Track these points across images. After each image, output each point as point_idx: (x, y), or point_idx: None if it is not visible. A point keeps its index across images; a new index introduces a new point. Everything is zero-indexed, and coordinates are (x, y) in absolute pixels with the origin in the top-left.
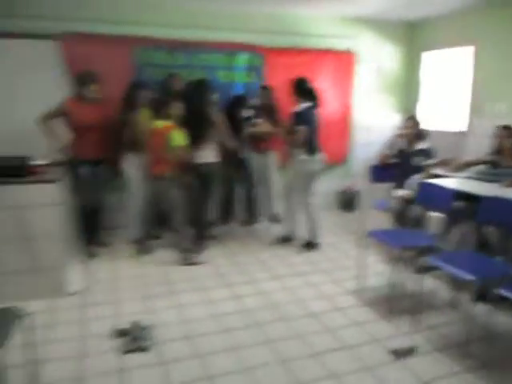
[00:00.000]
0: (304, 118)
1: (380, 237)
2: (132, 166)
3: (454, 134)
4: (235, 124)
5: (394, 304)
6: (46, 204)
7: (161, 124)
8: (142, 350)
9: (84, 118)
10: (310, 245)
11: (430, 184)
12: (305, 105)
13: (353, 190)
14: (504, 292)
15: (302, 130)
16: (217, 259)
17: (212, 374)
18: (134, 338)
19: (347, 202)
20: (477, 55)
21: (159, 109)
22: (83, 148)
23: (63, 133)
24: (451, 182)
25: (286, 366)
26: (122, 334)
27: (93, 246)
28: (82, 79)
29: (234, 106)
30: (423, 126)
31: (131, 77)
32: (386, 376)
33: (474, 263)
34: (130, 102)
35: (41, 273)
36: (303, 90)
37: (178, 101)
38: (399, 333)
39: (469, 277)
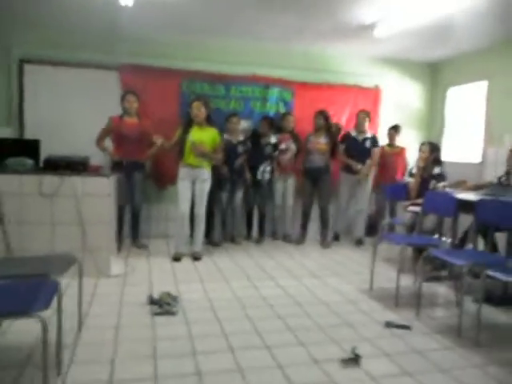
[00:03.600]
0: None
1: (390, 238)
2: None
3: (471, 165)
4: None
5: (400, 300)
6: (100, 194)
7: None
8: (171, 313)
9: (124, 130)
10: None
11: (436, 193)
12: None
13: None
14: (491, 273)
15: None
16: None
17: (226, 332)
18: (163, 304)
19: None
20: (490, 89)
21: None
22: (123, 154)
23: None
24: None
25: (293, 333)
26: (153, 301)
27: (132, 244)
28: (123, 94)
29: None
30: (440, 152)
31: (178, 103)
32: (381, 343)
33: (468, 255)
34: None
35: (91, 254)
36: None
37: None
38: (399, 317)
39: (459, 262)
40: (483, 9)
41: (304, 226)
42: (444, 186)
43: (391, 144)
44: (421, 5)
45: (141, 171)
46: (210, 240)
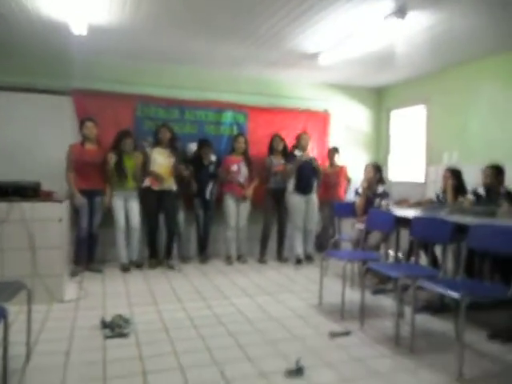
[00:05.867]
0: None
1: (334, 254)
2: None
3: (416, 184)
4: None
5: (347, 313)
6: (52, 219)
7: None
8: (122, 336)
9: (86, 157)
10: None
11: (378, 211)
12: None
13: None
14: (421, 284)
15: None
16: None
17: (178, 351)
18: (114, 327)
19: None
20: (428, 112)
21: None
22: (82, 182)
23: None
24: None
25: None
26: (105, 325)
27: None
28: (81, 121)
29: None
30: (382, 172)
31: (132, 127)
32: (325, 354)
33: (403, 268)
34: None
35: (42, 280)
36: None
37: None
38: (343, 328)
39: (394, 274)
40: (420, 40)
41: (265, 245)
42: (387, 204)
43: (332, 164)
44: (361, 35)
45: (100, 196)
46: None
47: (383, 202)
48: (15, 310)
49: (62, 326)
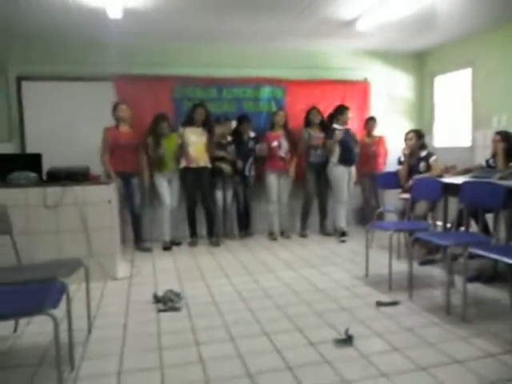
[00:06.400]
0: None
1: (380, 225)
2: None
3: (462, 149)
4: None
5: (394, 284)
6: (101, 202)
7: None
8: (175, 309)
9: (121, 140)
10: None
11: (423, 180)
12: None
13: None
14: (473, 250)
15: None
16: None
17: (227, 323)
18: (167, 302)
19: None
20: (474, 75)
21: None
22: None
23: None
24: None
25: (290, 319)
26: (158, 299)
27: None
28: (115, 104)
29: None
30: (425, 138)
31: (172, 109)
32: (373, 324)
33: (452, 236)
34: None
35: (96, 259)
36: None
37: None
38: (392, 299)
39: (443, 242)
40: None
41: (305, 219)
42: (436, 160)
43: (370, 134)
44: None
45: (136, 178)
46: (210, 239)
47: (431, 159)
48: (74, 288)
49: (118, 301)
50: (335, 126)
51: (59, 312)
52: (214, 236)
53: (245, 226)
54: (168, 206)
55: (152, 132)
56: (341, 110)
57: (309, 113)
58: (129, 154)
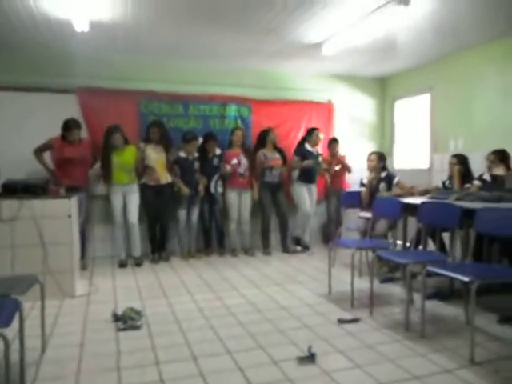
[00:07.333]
0: None
1: (342, 243)
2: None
3: (421, 171)
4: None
5: (356, 301)
6: (61, 216)
7: None
8: (135, 328)
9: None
10: None
11: (383, 199)
12: None
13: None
14: (431, 268)
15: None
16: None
17: (190, 341)
18: (127, 320)
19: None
20: (433, 101)
21: None
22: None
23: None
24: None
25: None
26: (117, 318)
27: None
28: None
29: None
30: (386, 160)
31: (136, 123)
32: (335, 341)
33: (411, 254)
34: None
35: (53, 276)
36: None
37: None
38: (353, 316)
39: (402, 260)
40: (424, 27)
41: (266, 238)
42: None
43: (333, 154)
44: (364, 24)
45: (84, 193)
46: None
47: (395, 180)
48: (28, 305)
49: (75, 320)
50: (306, 145)
51: (11, 331)
52: (164, 252)
53: (219, 243)
54: (119, 223)
55: (105, 144)
56: (309, 131)
57: (265, 133)
58: (75, 168)
